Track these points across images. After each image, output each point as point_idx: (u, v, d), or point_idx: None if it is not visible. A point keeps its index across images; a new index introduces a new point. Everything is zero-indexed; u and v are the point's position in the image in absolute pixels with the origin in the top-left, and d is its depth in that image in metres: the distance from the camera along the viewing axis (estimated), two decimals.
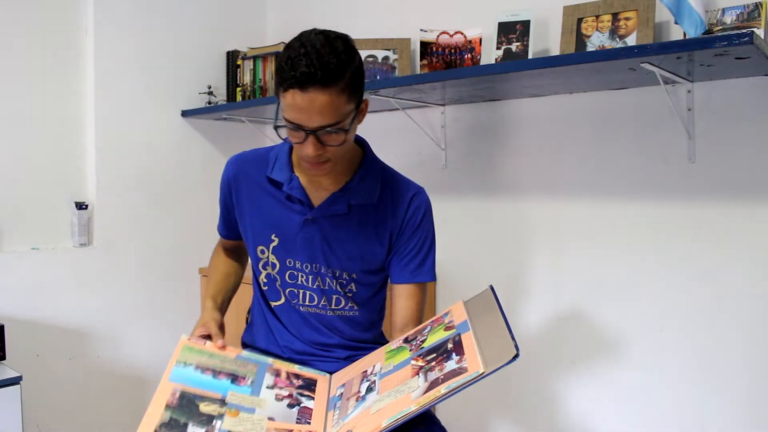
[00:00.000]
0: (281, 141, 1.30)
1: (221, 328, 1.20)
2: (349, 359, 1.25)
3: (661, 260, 1.70)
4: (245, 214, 1.28)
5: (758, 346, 1.56)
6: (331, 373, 1.21)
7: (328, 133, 1.05)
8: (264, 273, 1.28)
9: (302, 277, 1.25)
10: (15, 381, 1.72)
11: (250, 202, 1.27)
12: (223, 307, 1.31)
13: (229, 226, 1.37)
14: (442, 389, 0.91)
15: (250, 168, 1.27)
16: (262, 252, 1.27)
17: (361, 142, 1.28)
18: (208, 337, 1.17)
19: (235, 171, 1.29)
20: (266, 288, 1.30)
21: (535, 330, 1.94)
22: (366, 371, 1.11)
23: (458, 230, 2.11)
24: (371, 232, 1.24)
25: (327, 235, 1.23)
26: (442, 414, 1.68)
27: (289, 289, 1.27)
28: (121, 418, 2.29)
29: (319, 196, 1.23)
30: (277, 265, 1.26)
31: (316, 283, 1.25)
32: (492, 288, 1.11)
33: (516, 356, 0.88)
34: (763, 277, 1.55)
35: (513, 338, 0.93)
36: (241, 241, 1.40)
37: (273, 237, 1.25)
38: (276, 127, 1.10)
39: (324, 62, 0.99)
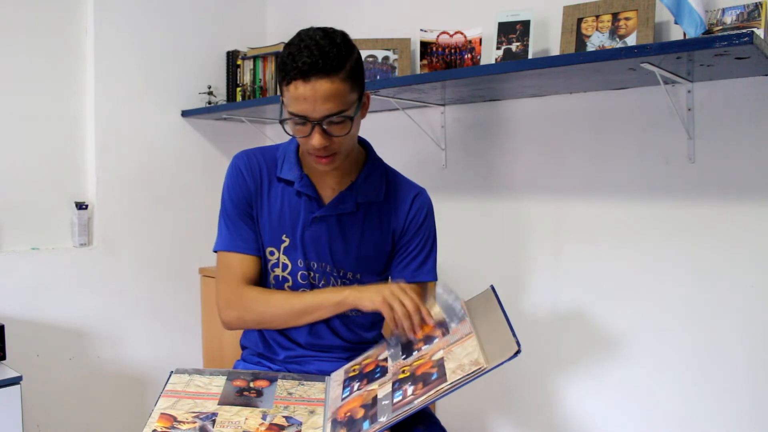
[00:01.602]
0: (281, 141, 1.30)
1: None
2: (350, 359, 1.25)
3: (660, 260, 1.70)
4: (262, 211, 1.24)
5: (758, 346, 1.56)
6: (329, 373, 1.21)
7: (333, 123, 1.06)
8: (272, 275, 1.25)
9: (312, 276, 1.25)
10: (15, 381, 1.72)
11: (263, 200, 1.25)
12: None
13: (249, 233, 1.22)
14: (444, 385, 0.91)
15: (261, 164, 1.26)
16: (272, 253, 1.25)
17: (364, 143, 1.29)
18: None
19: (253, 163, 1.24)
20: None
21: (535, 329, 1.94)
22: (376, 359, 1.13)
23: (458, 230, 2.10)
24: (376, 232, 1.25)
25: (333, 234, 1.23)
26: (441, 414, 1.68)
27: (301, 290, 1.25)
28: (121, 418, 2.29)
29: (327, 195, 1.23)
30: (289, 266, 1.24)
31: (322, 283, 1.25)
32: (493, 288, 1.11)
33: (518, 352, 0.89)
34: (764, 277, 1.55)
35: (514, 335, 0.93)
36: (259, 260, 1.24)
37: (284, 237, 1.24)
38: (282, 121, 1.10)
39: (324, 52, 1.02)
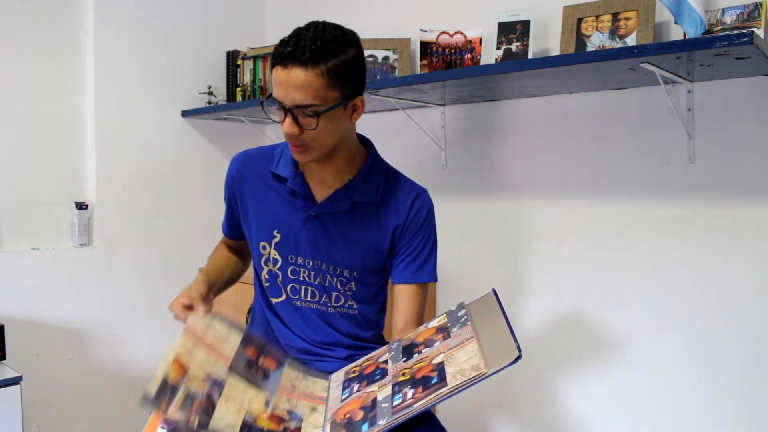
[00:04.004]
0: (282, 141, 1.31)
1: (206, 299, 1.18)
2: (349, 359, 1.25)
3: (660, 260, 1.70)
4: (248, 210, 1.29)
5: (757, 347, 1.56)
6: (330, 373, 1.21)
7: (304, 115, 1.08)
8: (266, 269, 1.29)
9: (304, 273, 1.26)
10: (15, 381, 1.73)
11: (253, 198, 1.28)
12: (213, 286, 1.28)
13: (232, 225, 1.39)
14: (444, 389, 0.91)
15: (255, 164, 1.29)
16: (264, 248, 1.27)
17: (365, 142, 1.29)
18: (191, 307, 1.17)
19: (239, 167, 1.30)
20: (267, 284, 1.30)
21: (535, 330, 1.94)
22: (376, 361, 1.12)
23: (458, 230, 2.10)
24: (374, 231, 1.25)
25: (330, 232, 1.24)
26: (441, 414, 1.68)
27: (290, 285, 1.27)
28: (121, 418, 2.28)
29: (322, 193, 1.24)
30: (279, 261, 1.27)
31: (318, 280, 1.26)
32: (494, 291, 1.11)
33: (518, 358, 0.89)
34: (763, 277, 1.55)
35: (516, 340, 0.93)
36: (244, 243, 1.41)
37: (275, 233, 1.26)
38: (261, 103, 1.17)
39: (308, 44, 1.04)
